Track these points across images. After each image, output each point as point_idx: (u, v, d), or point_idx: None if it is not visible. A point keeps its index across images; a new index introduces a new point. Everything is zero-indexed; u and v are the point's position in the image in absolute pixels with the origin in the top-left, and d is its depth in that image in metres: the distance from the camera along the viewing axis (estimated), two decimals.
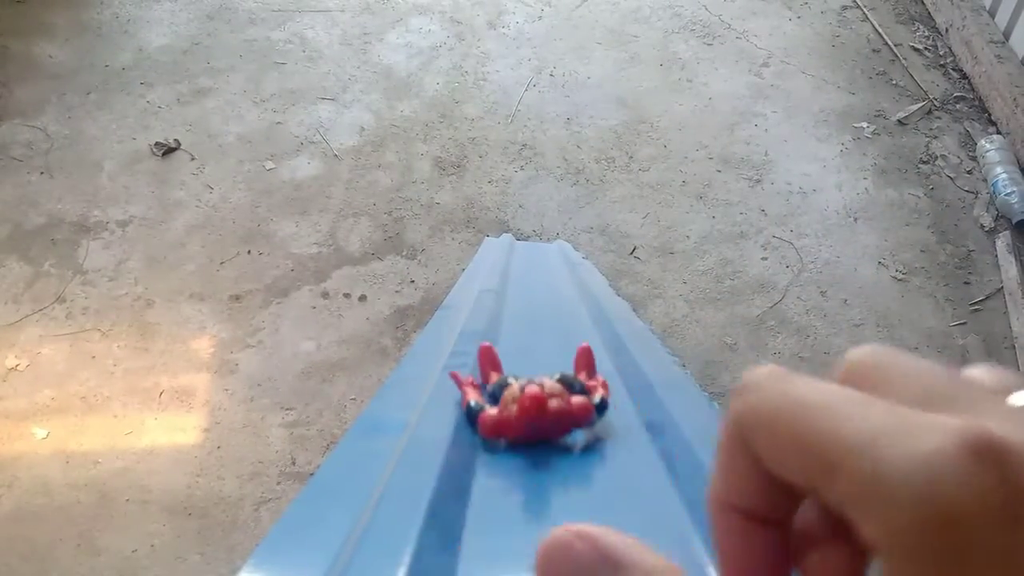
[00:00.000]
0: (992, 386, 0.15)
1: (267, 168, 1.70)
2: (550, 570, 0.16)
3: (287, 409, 1.35)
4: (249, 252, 1.56)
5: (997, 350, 1.46)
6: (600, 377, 0.46)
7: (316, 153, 1.73)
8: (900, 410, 0.14)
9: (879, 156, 1.77)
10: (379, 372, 1.39)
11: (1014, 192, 1.62)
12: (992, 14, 1.93)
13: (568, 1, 2.08)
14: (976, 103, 1.87)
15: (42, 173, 1.67)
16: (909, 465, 0.12)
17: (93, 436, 1.32)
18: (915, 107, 1.86)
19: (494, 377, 0.43)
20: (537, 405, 0.37)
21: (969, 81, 1.92)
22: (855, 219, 1.66)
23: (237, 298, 1.49)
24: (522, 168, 1.72)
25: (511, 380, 0.40)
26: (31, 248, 1.55)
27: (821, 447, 0.14)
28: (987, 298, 1.54)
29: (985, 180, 1.71)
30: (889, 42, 2.02)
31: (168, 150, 1.72)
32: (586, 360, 0.47)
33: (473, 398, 0.41)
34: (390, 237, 1.59)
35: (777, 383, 0.15)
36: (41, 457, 1.30)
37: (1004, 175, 1.66)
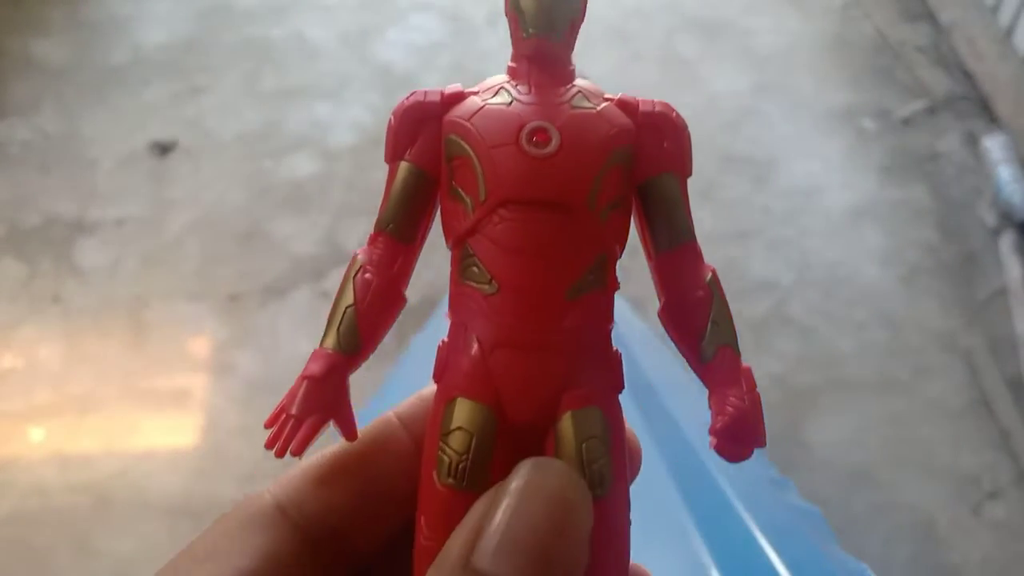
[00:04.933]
0: None
1: (265, 167, 1.69)
2: None
3: None
4: (247, 251, 1.55)
5: (1003, 350, 1.44)
6: None
7: (315, 152, 1.72)
8: None
9: (883, 155, 1.76)
10: (378, 372, 1.38)
11: (1017, 191, 1.61)
12: (994, 12, 1.92)
13: None
14: (980, 101, 1.86)
15: (38, 172, 1.66)
16: None
17: (90, 438, 1.31)
18: (919, 105, 1.85)
19: None
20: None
21: (973, 79, 1.91)
22: (858, 218, 1.64)
23: (235, 298, 1.48)
24: None
25: None
26: (27, 247, 1.54)
27: None
28: (992, 298, 1.53)
29: (989, 179, 1.70)
30: (892, 40, 2.00)
31: (165, 148, 1.71)
32: None
33: None
34: None
35: None
36: (37, 459, 1.28)
37: (1007, 174, 1.65)
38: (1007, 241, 1.61)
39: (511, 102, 0.22)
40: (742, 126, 1.80)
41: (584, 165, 0.20)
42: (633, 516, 0.25)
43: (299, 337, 1.42)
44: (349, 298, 0.22)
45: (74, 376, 1.37)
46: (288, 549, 0.20)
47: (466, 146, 0.21)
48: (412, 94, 0.23)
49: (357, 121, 1.77)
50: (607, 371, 0.21)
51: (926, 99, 1.87)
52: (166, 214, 1.60)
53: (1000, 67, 1.79)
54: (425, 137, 0.22)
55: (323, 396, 0.21)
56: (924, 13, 2.10)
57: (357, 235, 1.58)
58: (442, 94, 0.23)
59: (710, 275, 0.23)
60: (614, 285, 0.21)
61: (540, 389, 0.20)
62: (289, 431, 0.21)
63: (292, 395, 0.22)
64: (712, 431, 0.21)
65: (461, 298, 0.21)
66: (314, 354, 0.22)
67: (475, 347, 0.20)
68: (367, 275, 0.22)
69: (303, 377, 0.22)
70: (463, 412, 0.20)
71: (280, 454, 0.21)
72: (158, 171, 1.67)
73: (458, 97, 0.23)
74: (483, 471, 0.19)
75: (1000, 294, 1.53)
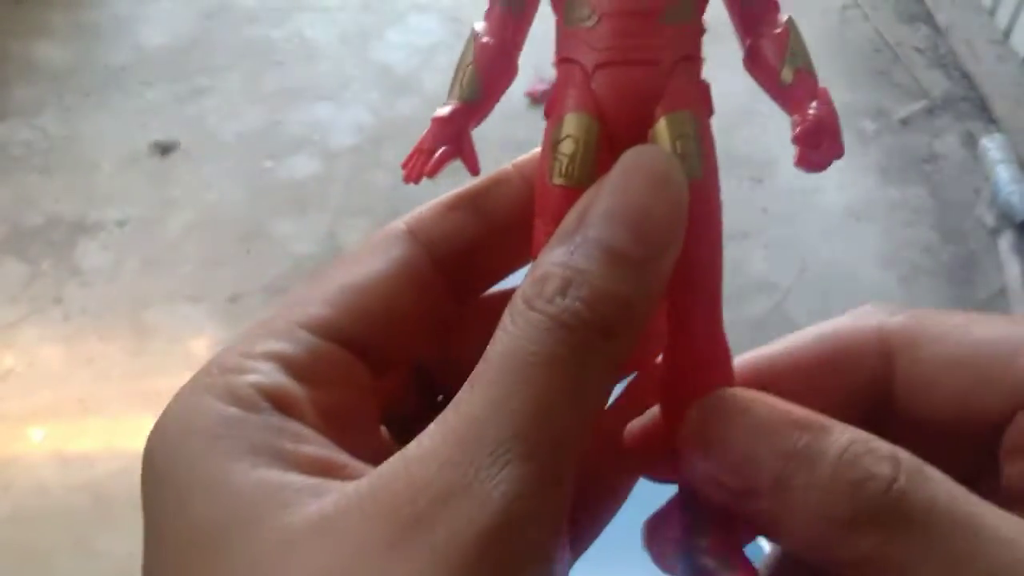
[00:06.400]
0: None
1: (266, 167, 1.70)
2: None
3: None
4: (248, 252, 1.55)
5: None
6: None
7: (315, 152, 1.72)
8: None
9: (881, 155, 1.76)
10: None
11: (1015, 191, 1.61)
12: (991, 13, 1.93)
13: None
14: (978, 102, 1.87)
15: (40, 173, 1.66)
16: None
17: (90, 438, 1.31)
18: (917, 106, 1.86)
19: None
20: None
21: (970, 80, 1.91)
22: (857, 219, 1.65)
23: (235, 299, 1.48)
24: None
25: None
26: (29, 248, 1.54)
27: None
28: (992, 298, 1.53)
29: (987, 179, 1.70)
30: (890, 41, 2.01)
31: (166, 149, 1.71)
32: None
33: None
34: None
35: None
36: (38, 460, 1.29)
37: (1006, 174, 1.65)
38: (1006, 241, 1.61)
39: None
40: (740, 127, 1.80)
41: None
42: (632, 517, 0.25)
43: None
44: (469, 57, 0.24)
45: (75, 377, 1.37)
46: (418, 261, 0.24)
47: None
48: None
49: (357, 121, 1.77)
50: (699, 93, 0.24)
51: (924, 100, 1.87)
52: (167, 215, 1.60)
53: (998, 68, 1.79)
54: None
55: (449, 133, 0.25)
56: (922, 14, 2.11)
57: (357, 235, 1.58)
58: None
59: (787, 17, 0.25)
60: (702, 27, 0.24)
61: (637, 97, 0.22)
62: (422, 161, 0.24)
63: (423, 137, 0.25)
64: (793, 139, 0.24)
65: (567, 39, 0.24)
66: (440, 107, 0.25)
67: (579, 74, 0.23)
68: (484, 39, 0.25)
69: (432, 120, 0.25)
70: (571, 123, 0.22)
71: (416, 180, 0.24)
72: (159, 172, 1.67)
73: None
74: (591, 169, 0.22)
75: (1000, 294, 1.54)
